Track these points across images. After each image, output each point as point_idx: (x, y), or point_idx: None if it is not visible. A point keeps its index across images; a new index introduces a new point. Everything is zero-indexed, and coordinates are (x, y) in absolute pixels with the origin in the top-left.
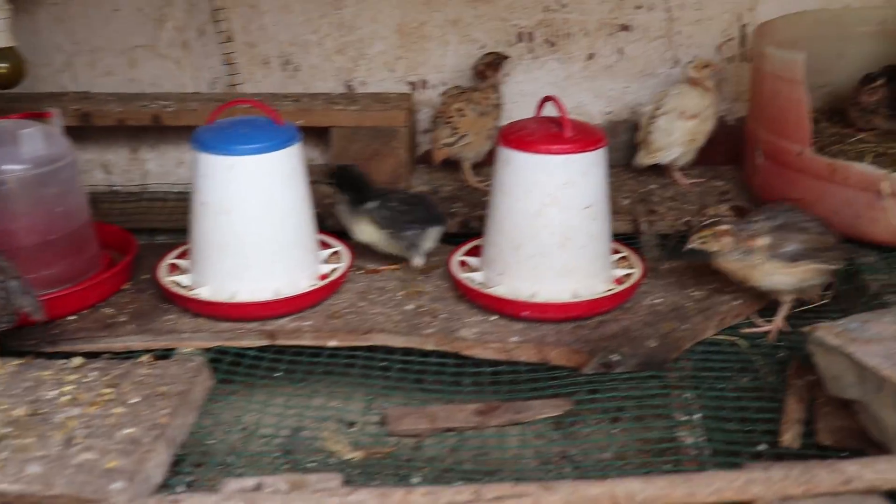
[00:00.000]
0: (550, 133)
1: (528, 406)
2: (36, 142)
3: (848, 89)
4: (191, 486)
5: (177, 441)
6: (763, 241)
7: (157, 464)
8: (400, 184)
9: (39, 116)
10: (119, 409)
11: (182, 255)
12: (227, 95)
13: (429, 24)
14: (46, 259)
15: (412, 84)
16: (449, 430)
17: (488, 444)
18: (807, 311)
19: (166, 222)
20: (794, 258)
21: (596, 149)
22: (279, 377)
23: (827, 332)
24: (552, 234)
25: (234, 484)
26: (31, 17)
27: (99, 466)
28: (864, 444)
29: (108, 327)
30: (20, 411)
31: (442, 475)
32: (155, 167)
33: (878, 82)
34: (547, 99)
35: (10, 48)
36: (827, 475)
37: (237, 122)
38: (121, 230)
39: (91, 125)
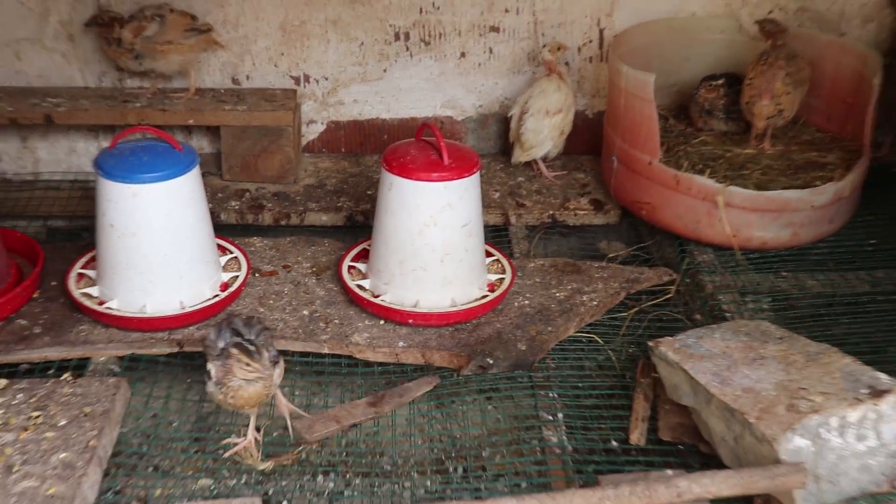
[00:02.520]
0: (430, 160)
1: (407, 388)
2: None
3: (692, 88)
4: (118, 494)
5: (105, 458)
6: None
7: (91, 484)
8: (289, 178)
9: None
10: (50, 434)
11: (87, 265)
12: (116, 91)
13: (310, 23)
14: None
15: (295, 79)
16: (353, 425)
17: (383, 435)
18: (655, 304)
19: (63, 210)
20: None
21: (471, 174)
22: (189, 383)
23: (668, 348)
24: (433, 251)
25: None
26: None
27: (40, 493)
28: (696, 439)
29: (24, 339)
30: None
31: (346, 468)
32: (46, 155)
33: (718, 82)
34: (424, 126)
35: None
36: (664, 490)
37: (138, 148)
38: (26, 237)
39: None
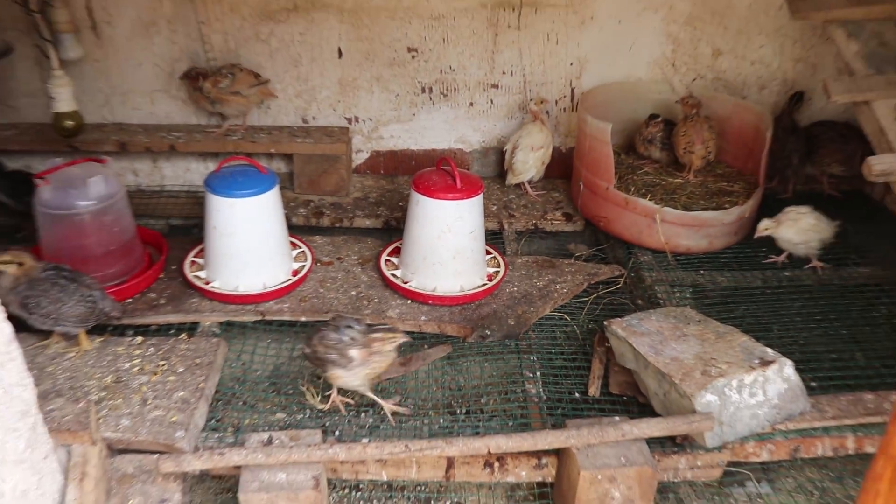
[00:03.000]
0: (447, 184)
1: (428, 353)
2: (99, 185)
3: (636, 132)
4: (219, 422)
5: (210, 396)
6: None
7: (201, 415)
8: (342, 192)
9: (97, 161)
10: (172, 378)
11: (198, 254)
12: (218, 127)
13: (360, 79)
14: (109, 262)
15: (348, 119)
16: (392, 379)
17: (410, 385)
18: (609, 292)
19: (180, 213)
20: None
21: (477, 195)
22: (269, 342)
23: (618, 326)
24: (448, 251)
25: (254, 438)
26: (79, 69)
27: (166, 420)
28: (636, 393)
29: (154, 308)
30: (108, 380)
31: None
32: (170, 173)
33: (658, 120)
34: (443, 159)
35: (75, 111)
36: (613, 431)
37: (235, 171)
38: (155, 233)
39: (126, 151)
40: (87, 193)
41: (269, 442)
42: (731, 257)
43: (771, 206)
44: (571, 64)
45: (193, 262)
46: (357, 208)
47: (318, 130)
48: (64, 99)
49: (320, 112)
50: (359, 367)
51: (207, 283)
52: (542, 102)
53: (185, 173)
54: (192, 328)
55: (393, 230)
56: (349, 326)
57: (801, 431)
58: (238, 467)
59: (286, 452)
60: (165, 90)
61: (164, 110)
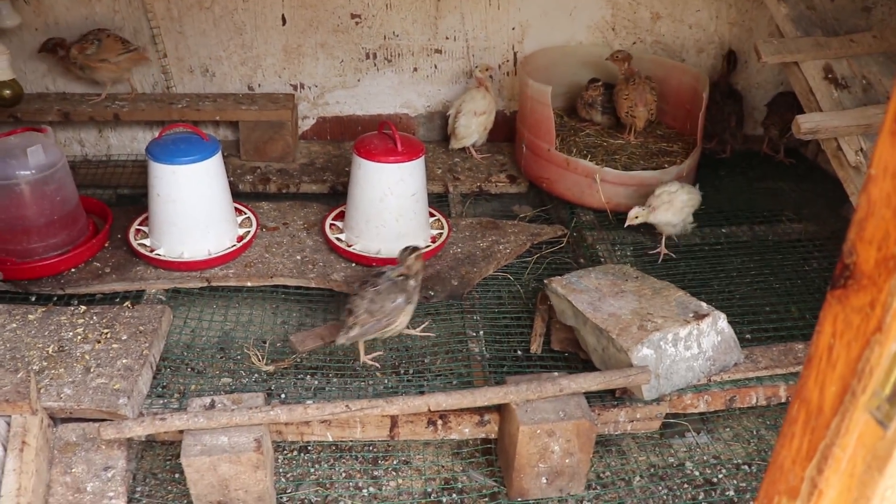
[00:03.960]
0: (388, 147)
1: None
2: (38, 154)
3: (578, 95)
4: (165, 388)
5: (154, 363)
6: None
7: (144, 382)
8: (289, 158)
9: (37, 131)
10: (116, 345)
11: (142, 223)
12: (165, 95)
13: (304, 46)
14: (52, 232)
15: (293, 86)
16: (332, 342)
17: (354, 347)
18: (552, 251)
19: (127, 182)
20: None
21: (418, 158)
22: (215, 308)
23: (558, 284)
24: (390, 213)
25: (196, 402)
26: (18, 37)
27: (109, 387)
28: (577, 349)
29: (98, 277)
30: (50, 349)
31: (326, 370)
32: (116, 142)
33: (599, 84)
34: (384, 123)
35: (13, 80)
36: (551, 386)
37: (177, 138)
38: (100, 203)
39: (70, 120)
40: (27, 163)
41: (212, 406)
42: None
43: (711, 166)
44: (514, 28)
45: (138, 230)
46: (303, 174)
47: (263, 98)
48: (1, 68)
49: (265, 79)
50: (415, 295)
51: (152, 251)
52: (486, 70)
53: (131, 143)
54: (137, 297)
55: (339, 195)
56: (382, 273)
57: (735, 382)
58: (182, 432)
59: (227, 415)
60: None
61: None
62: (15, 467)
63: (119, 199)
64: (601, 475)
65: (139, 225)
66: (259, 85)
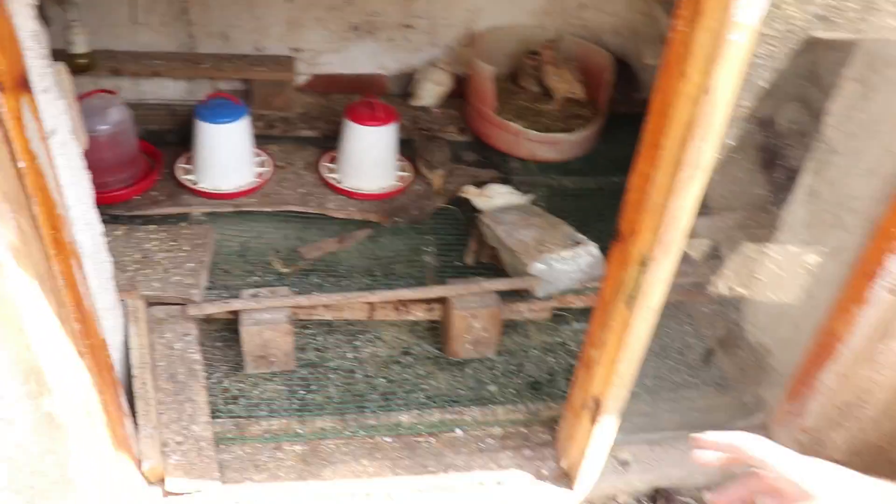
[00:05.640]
0: (370, 112)
1: (356, 234)
2: (114, 113)
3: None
4: (213, 283)
5: (209, 266)
6: None
7: (204, 279)
8: (289, 108)
9: (109, 93)
10: (181, 254)
11: (185, 162)
12: (191, 55)
13: (303, 19)
14: (121, 169)
15: (294, 49)
16: (331, 252)
17: (343, 256)
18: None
19: (155, 121)
20: None
21: (392, 122)
22: (243, 227)
23: (487, 217)
24: (370, 161)
25: (245, 292)
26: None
27: (183, 282)
28: (499, 263)
29: (156, 203)
30: (137, 256)
31: (324, 273)
32: (148, 89)
33: (536, 56)
34: (368, 95)
35: (90, 52)
36: (476, 286)
37: (217, 103)
38: (152, 146)
39: (118, 74)
40: (105, 119)
41: (256, 295)
42: (578, 167)
43: (615, 124)
44: (468, 10)
45: (182, 167)
46: (301, 121)
47: (269, 59)
48: (80, 42)
49: (272, 44)
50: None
51: (196, 184)
52: (448, 64)
53: (161, 90)
54: (183, 217)
55: (329, 139)
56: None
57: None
58: (233, 312)
59: (269, 300)
60: (148, 24)
61: (148, 40)
62: (134, 331)
63: (148, 134)
64: (509, 347)
65: (183, 164)
66: (266, 48)
